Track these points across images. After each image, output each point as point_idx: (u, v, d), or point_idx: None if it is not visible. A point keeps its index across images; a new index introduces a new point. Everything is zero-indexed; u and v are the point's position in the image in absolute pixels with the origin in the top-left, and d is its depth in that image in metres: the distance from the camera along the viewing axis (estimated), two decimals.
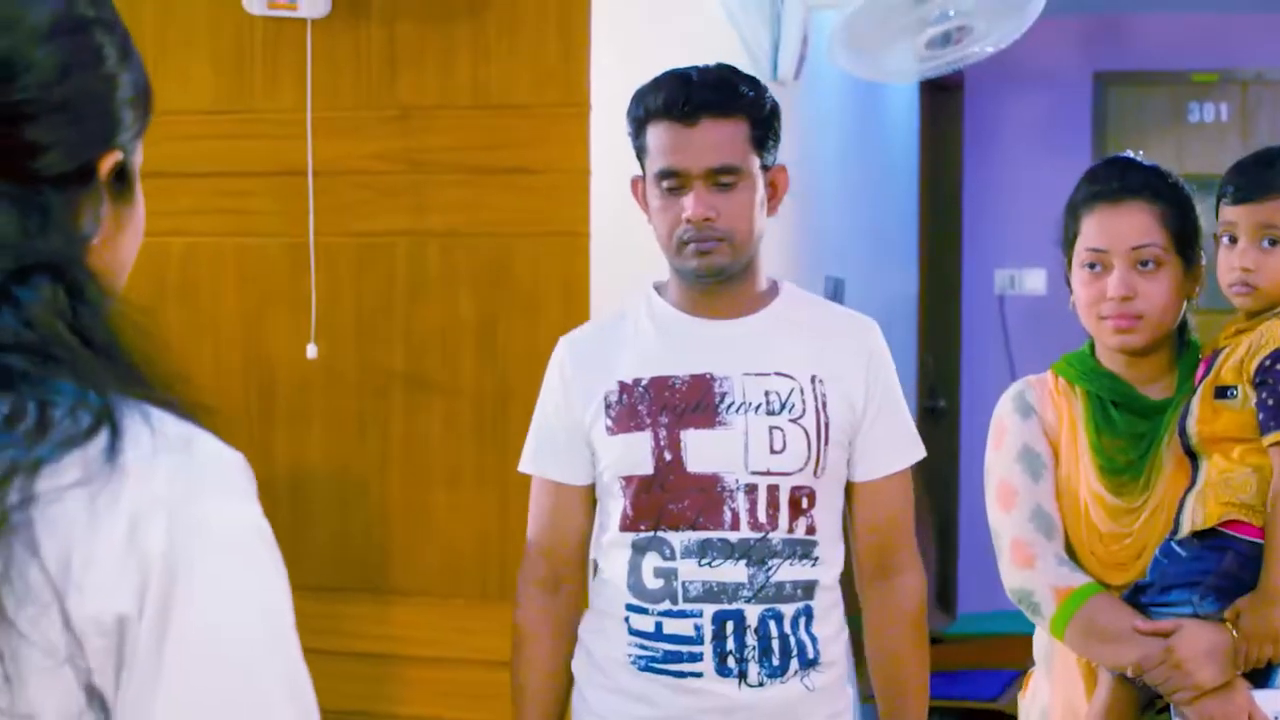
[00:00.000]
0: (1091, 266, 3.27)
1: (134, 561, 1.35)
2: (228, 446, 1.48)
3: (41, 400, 1.36)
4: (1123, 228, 3.24)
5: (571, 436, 3.33)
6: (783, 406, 3.21)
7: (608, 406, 3.26)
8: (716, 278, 3.23)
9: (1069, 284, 3.37)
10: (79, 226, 1.46)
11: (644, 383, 3.25)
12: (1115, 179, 3.29)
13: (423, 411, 4.27)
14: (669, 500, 3.20)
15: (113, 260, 1.53)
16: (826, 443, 3.22)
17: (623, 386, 3.26)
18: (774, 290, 3.36)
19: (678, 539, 3.19)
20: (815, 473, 3.22)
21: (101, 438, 1.36)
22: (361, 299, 4.31)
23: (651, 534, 3.21)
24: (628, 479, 3.24)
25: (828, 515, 3.26)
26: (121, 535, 1.35)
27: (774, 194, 3.28)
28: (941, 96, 9.06)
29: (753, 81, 3.25)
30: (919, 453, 3.38)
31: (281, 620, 1.44)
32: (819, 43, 5.81)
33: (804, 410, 3.21)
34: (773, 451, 3.19)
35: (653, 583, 3.22)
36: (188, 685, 1.36)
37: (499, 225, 4.20)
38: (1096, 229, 3.26)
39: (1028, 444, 3.32)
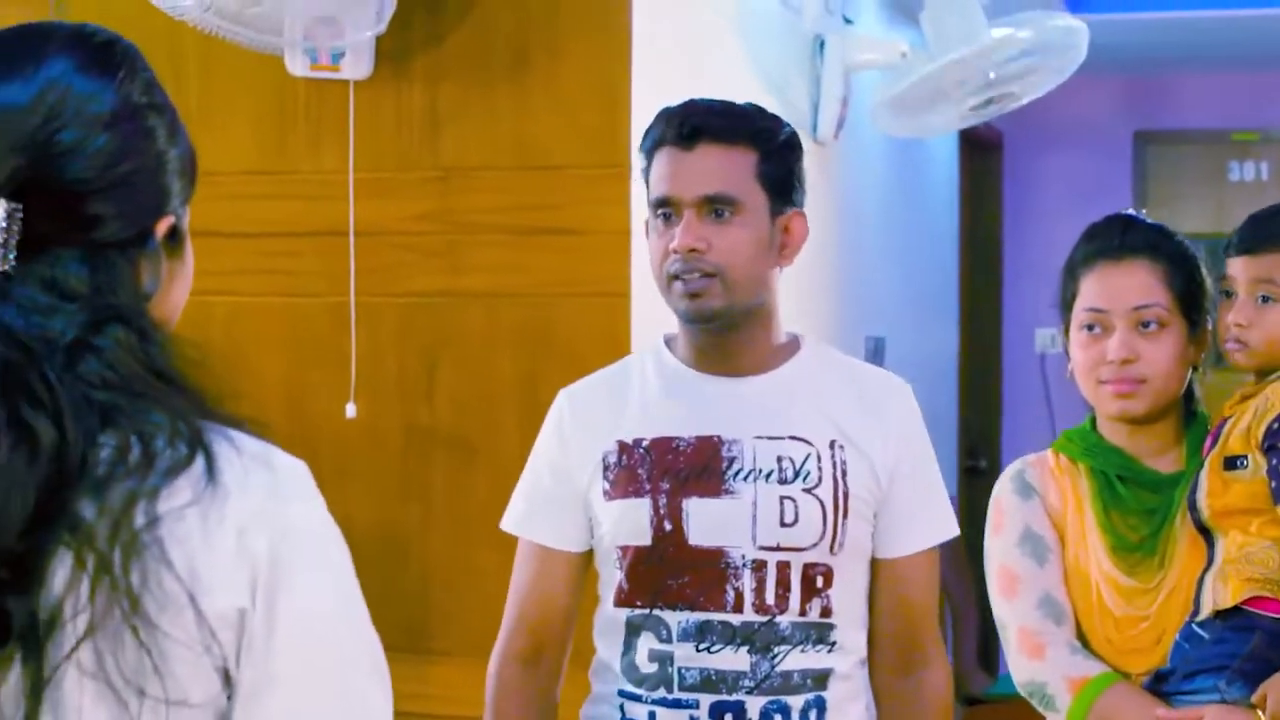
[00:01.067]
0: (1090, 328, 3.10)
1: (245, 564, 1.62)
2: (292, 456, 1.77)
3: (141, 433, 1.61)
4: (1123, 287, 3.08)
5: (567, 498, 3.01)
6: (797, 474, 2.88)
7: (606, 468, 2.95)
8: (710, 323, 2.90)
9: (1066, 351, 3.20)
10: (141, 282, 1.71)
11: (645, 443, 2.93)
12: (1116, 236, 3.13)
13: (464, 471, 4.28)
14: (667, 575, 2.88)
15: (166, 308, 1.78)
16: (845, 515, 2.89)
17: (622, 447, 2.95)
18: (794, 346, 3.03)
19: (675, 619, 2.87)
20: (832, 548, 2.88)
21: (199, 462, 1.62)
22: (403, 359, 4.32)
23: (647, 612, 2.90)
24: (624, 549, 2.92)
25: (848, 596, 2.94)
26: (232, 543, 1.62)
27: (788, 241, 2.95)
28: (982, 155, 9.06)
29: (770, 116, 2.99)
30: (950, 530, 3.05)
31: (356, 598, 1.75)
32: (859, 103, 5.82)
33: (820, 479, 2.88)
34: (783, 524, 2.86)
35: (647, 667, 2.91)
36: (293, 658, 1.65)
37: (540, 286, 4.21)
38: (1096, 288, 3.10)
39: (1030, 527, 3.12)
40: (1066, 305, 3.18)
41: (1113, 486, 3.11)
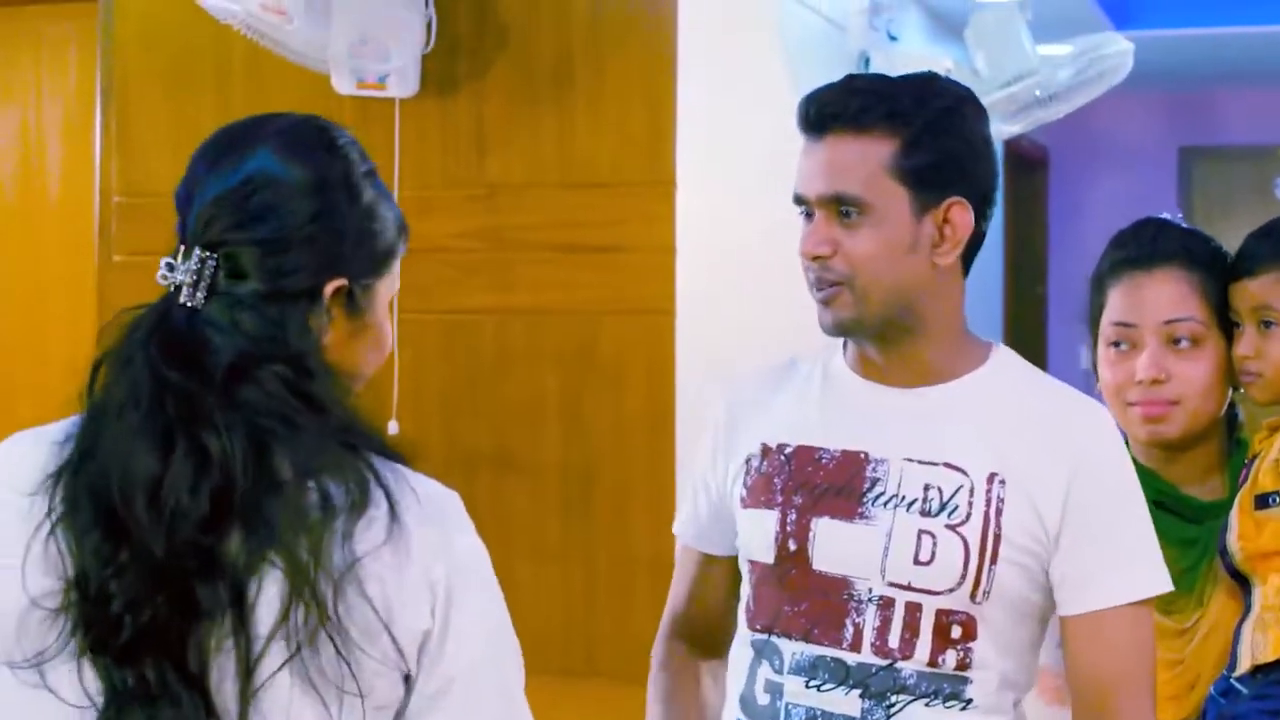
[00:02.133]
0: (1117, 344, 2.82)
1: (426, 592, 1.94)
2: (444, 486, 2.07)
3: (313, 468, 1.91)
4: (1153, 299, 2.78)
5: (717, 501, 2.72)
6: (942, 507, 2.49)
7: (747, 472, 2.64)
8: (845, 334, 2.58)
9: (1095, 368, 2.93)
10: (308, 330, 1.99)
11: (789, 450, 2.60)
12: (1146, 243, 2.83)
13: (508, 488, 4.28)
14: (786, 600, 2.56)
15: (346, 361, 2.07)
16: (994, 561, 2.47)
17: (765, 450, 2.63)
18: (979, 358, 2.60)
19: (789, 649, 2.55)
20: (974, 596, 2.47)
21: (382, 503, 1.94)
22: (447, 375, 4.33)
23: (766, 638, 2.58)
24: (752, 565, 2.63)
25: (996, 652, 2.51)
26: (417, 576, 1.93)
27: (944, 236, 2.52)
28: (1027, 171, 9.04)
29: (927, 90, 2.54)
30: (1153, 585, 2.52)
31: (503, 610, 2.04)
32: None
33: (968, 516, 2.48)
34: (917, 561, 2.48)
35: (762, 698, 2.60)
36: (464, 664, 1.97)
37: (585, 303, 4.21)
38: (1124, 301, 2.81)
39: None
40: (1094, 320, 2.91)
41: None
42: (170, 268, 1.98)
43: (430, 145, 4.34)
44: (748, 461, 2.64)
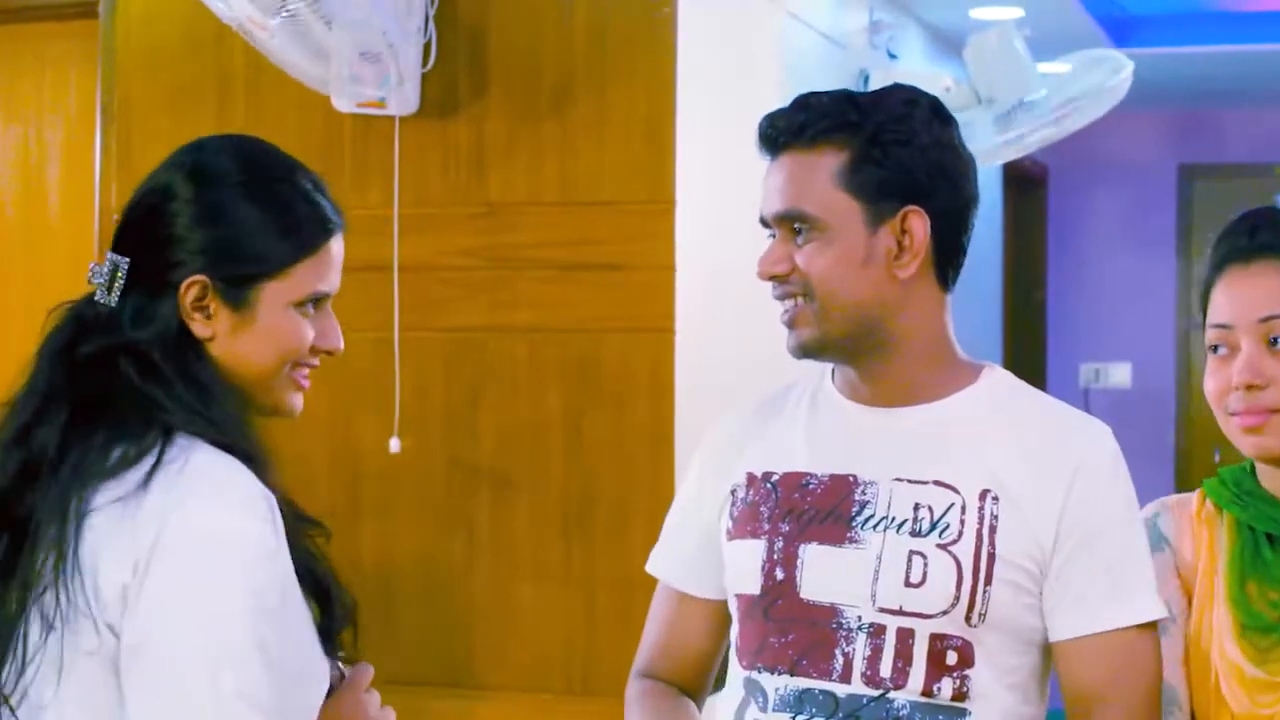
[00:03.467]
0: (1215, 349, 2.49)
1: (132, 549, 2.05)
2: (241, 477, 2.13)
3: (116, 438, 2.11)
4: (1249, 296, 2.45)
5: (702, 538, 2.59)
6: (933, 527, 2.38)
7: (732, 503, 2.54)
8: (811, 356, 2.48)
9: None
10: (155, 322, 2.18)
11: (775, 478, 2.49)
12: (1244, 236, 2.50)
13: (509, 506, 4.28)
14: (772, 632, 2.43)
15: (229, 354, 2.21)
16: (988, 582, 2.35)
17: (750, 480, 2.52)
18: (970, 376, 2.50)
19: (773, 685, 2.42)
20: (969, 619, 2.35)
21: (145, 467, 2.08)
22: (448, 394, 4.33)
23: (751, 674, 2.45)
24: (739, 599, 2.50)
25: (994, 680, 2.38)
26: (130, 533, 2.06)
27: (904, 247, 2.42)
28: (1026, 189, 9.04)
29: (879, 101, 2.47)
30: (1143, 612, 2.39)
31: (218, 591, 2.05)
32: None
33: (960, 535, 2.36)
34: (908, 584, 2.36)
35: None
36: (154, 620, 2.04)
37: (585, 321, 4.21)
38: (1221, 300, 2.48)
39: None
40: (1204, 326, 2.55)
41: (1258, 548, 2.46)
42: (94, 272, 2.23)
43: (430, 164, 4.34)
44: (733, 493, 2.54)
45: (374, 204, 4.36)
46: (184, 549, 2.05)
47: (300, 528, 2.23)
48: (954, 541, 2.37)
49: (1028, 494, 2.39)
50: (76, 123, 5.50)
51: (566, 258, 4.23)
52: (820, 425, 2.52)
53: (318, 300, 2.28)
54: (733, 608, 2.52)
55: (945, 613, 2.36)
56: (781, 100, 2.53)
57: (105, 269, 2.21)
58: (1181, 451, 9.16)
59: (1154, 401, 9.13)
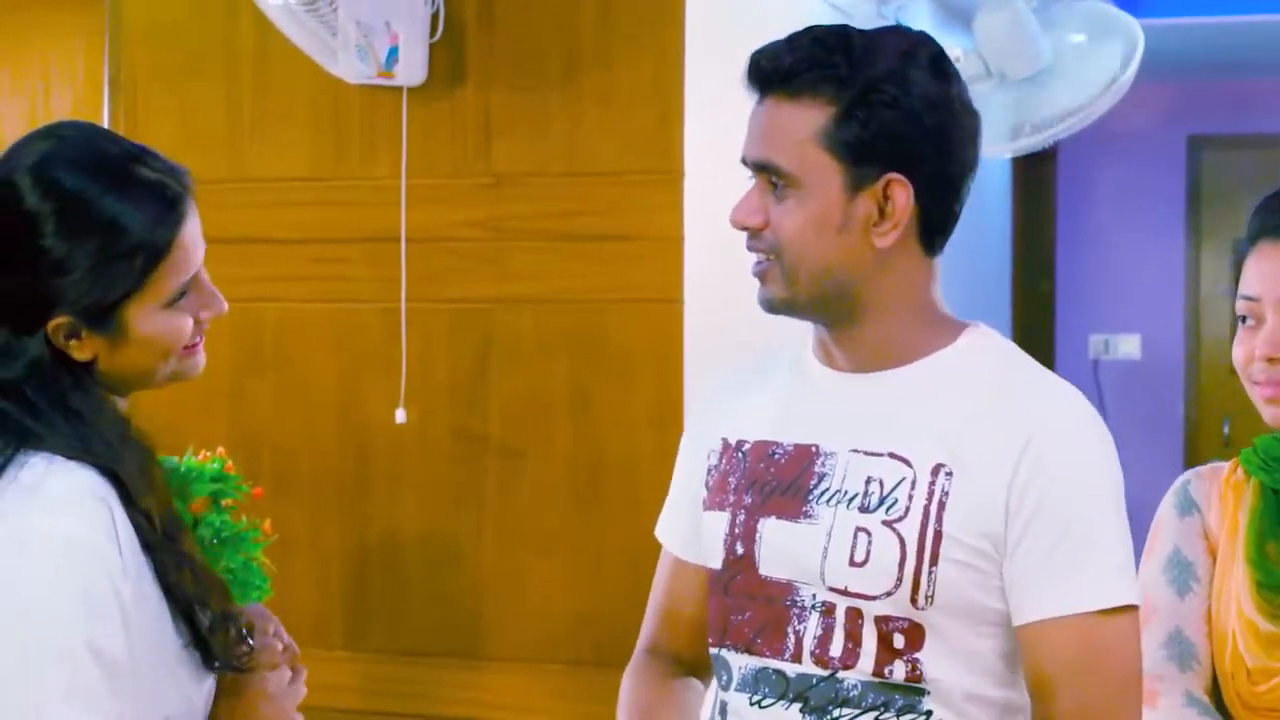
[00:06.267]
0: (1244, 319, 2.50)
1: None
2: (82, 492, 2.08)
3: None
4: (1276, 268, 2.47)
5: (693, 503, 2.48)
6: (880, 502, 2.23)
7: (709, 471, 2.44)
8: (778, 313, 2.35)
9: None
10: (35, 360, 2.16)
11: (746, 446, 2.38)
12: (1275, 210, 2.53)
13: (516, 477, 4.28)
14: (732, 609, 2.34)
15: (114, 366, 2.20)
16: (934, 561, 2.19)
17: (725, 447, 2.42)
18: (947, 337, 2.34)
19: (736, 663, 2.33)
20: (915, 600, 2.20)
21: None
22: (455, 365, 4.33)
23: (717, 650, 2.37)
24: (709, 573, 2.41)
25: (954, 662, 2.24)
26: None
27: (884, 215, 2.25)
28: (1034, 162, 9.02)
29: (872, 51, 2.26)
30: (1114, 595, 2.20)
31: (34, 603, 2.02)
32: None
33: (907, 511, 2.21)
34: (853, 563, 2.23)
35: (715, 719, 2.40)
36: None
37: (592, 292, 4.21)
38: (1251, 271, 2.50)
39: (1179, 549, 2.54)
40: (1234, 295, 2.56)
41: (1278, 511, 2.50)
42: None
43: (438, 134, 4.33)
44: (708, 458, 2.45)
45: (381, 175, 4.36)
46: (3, 554, 2.04)
47: (174, 543, 2.19)
48: (900, 519, 2.22)
49: (980, 464, 2.21)
50: (84, 94, 5.50)
51: (574, 228, 4.22)
52: (795, 392, 2.39)
53: (189, 280, 2.23)
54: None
55: (889, 594, 2.21)
56: None
57: None
58: (1191, 422, 9.15)
59: (1163, 373, 9.12)
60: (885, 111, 2.22)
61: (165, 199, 2.17)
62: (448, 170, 4.33)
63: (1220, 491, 2.56)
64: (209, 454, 3.79)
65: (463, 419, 4.32)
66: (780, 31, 2.34)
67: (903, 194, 2.24)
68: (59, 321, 2.15)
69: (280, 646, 2.35)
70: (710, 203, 4.20)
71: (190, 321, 2.22)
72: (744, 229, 2.30)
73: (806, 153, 2.24)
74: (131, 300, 2.16)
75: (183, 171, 2.23)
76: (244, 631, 2.28)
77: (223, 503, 3.73)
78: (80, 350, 2.17)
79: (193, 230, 2.21)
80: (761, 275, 2.31)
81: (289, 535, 4.11)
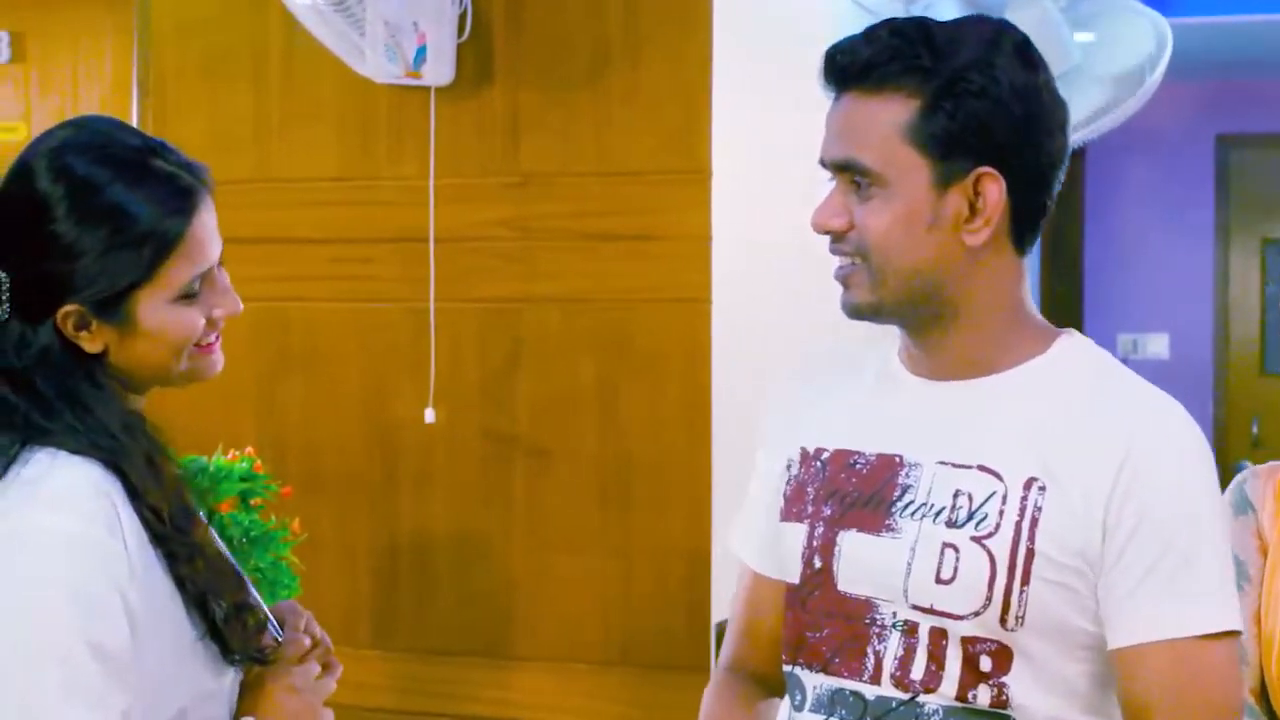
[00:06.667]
0: None
1: None
2: (84, 487, 2.08)
3: None
4: None
5: (766, 512, 2.35)
6: (969, 517, 2.12)
7: (786, 480, 2.32)
8: (864, 318, 2.22)
9: None
10: (46, 350, 2.17)
11: (825, 455, 2.27)
12: None
13: (544, 477, 4.27)
14: (809, 626, 2.23)
15: (124, 359, 2.20)
16: (1025, 581, 2.08)
17: (803, 456, 2.30)
18: (1040, 344, 2.24)
19: (810, 683, 2.23)
20: (1004, 621, 2.09)
21: None
22: (483, 364, 4.33)
23: (790, 668, 2.26)
24: (785, 586, 2.29)
25: (1043, 690, 2.12)
26: None
27: (976, 211, 2.14)
28: None
29: (956, 40, 2.15)
30: (1216, 620, 2.07)
31: (33, 599, 2.02)
32: None
33: (998, 527, 2.10)
34: (939, 580, 2.12)
35: None
36: None
37: (620, 291, 4.21)
38: None
39: (1232, 548, 2.31)
40: None
41: None
42: None
43: (465, 134, 4.33)
44: (788, 467, 2.31)
45: (409, 175, 4.36)
46: (3, 550, 2.04)
47: (184, 535, 2.18)
48: (989, 535, 2.10)
49: (1076, 480, 2.09)
50: (112, 94, 5.51)
51: (601, 228, 4.22)
52: (879, 398, 2.27)
53: (203, 276, 2.22)
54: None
55: (977, 614, 2.10)
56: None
57: None
58: (1219, 422, 9.12)
59: (1192, 373, 9.08)
60: (973, 101, 2.11)
61: (178, 190, 2.18)
62: (475, 170, 4.33)
63: (1275, 491, 2.52)
64: (238, 453, 3.80)
65: (491, 418, 4.32)
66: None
67: (995, 188, 2.14)
68: (68, 310, 2.15)
69: (308, 641, 2.35)
70: (738, 202, 4.20)
71: (201, 318, 2.22)
72: (826, 232, 2.18)
73: (892, 148, 2.12)
74: (141, 290, 2.16)
75: (200, 167, 2.22)
76: (265, 623, 2.28)
77: (251, 502, 3.75)
78: (91, 342, 2.17)
79: (206, 224, 2.20)
80: (845, 279, 2.18)
81: (317, 534, 4.12)
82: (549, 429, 4.27)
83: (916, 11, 5.51)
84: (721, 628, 3.40)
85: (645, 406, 4.16)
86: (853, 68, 2.14)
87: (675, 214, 4.15)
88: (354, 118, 4.40)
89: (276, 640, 2.31)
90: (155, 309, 2.18)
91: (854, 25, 4.96)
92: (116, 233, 2.15)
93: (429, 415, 4.29)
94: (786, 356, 4.36)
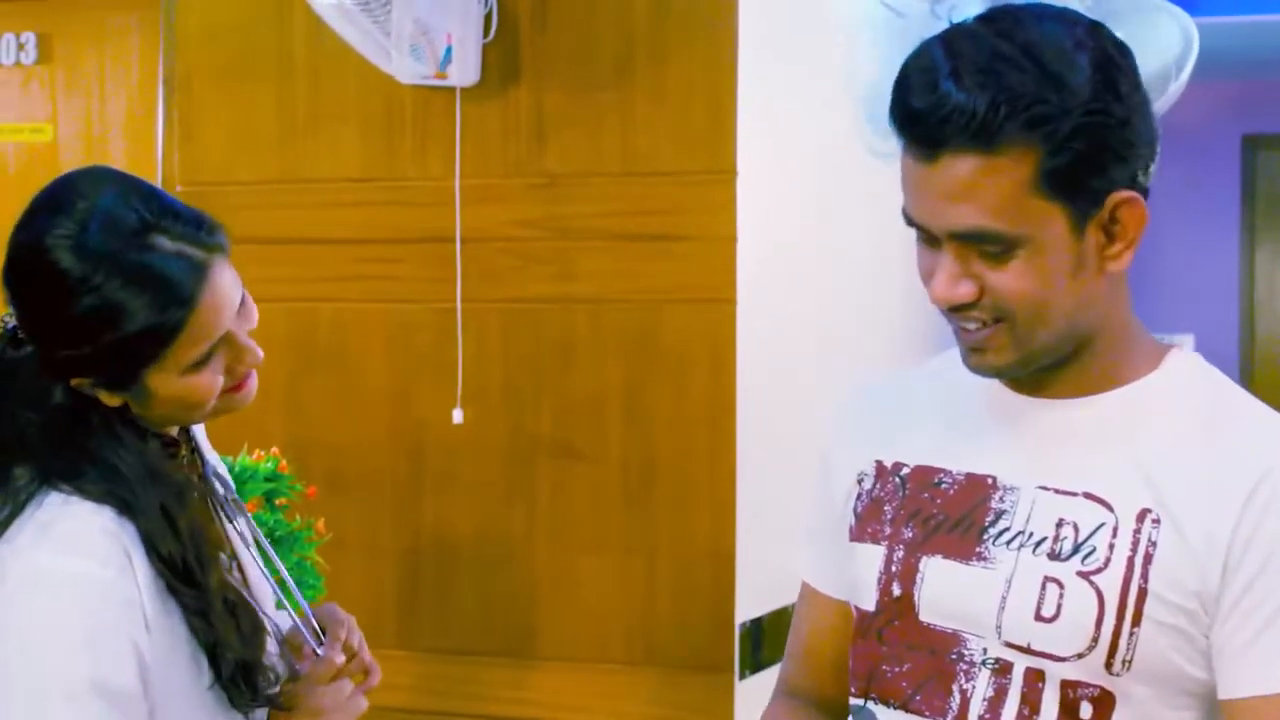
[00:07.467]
0: None
1: None
2: (88, 528, 2.11)
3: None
4: None
5: (829, 527, 2.24)
6: (1075, 550, 1.96)
7: (858, 496, 2.18)
8: (1001, 378, 2.07)
9: None
10: (59, 406, 2.19)
11: (905, 471, 2.13)
12: None
13: (569, 478, 4.27)
14: (885, 658, 2.08)
15: (149, 414, 2.22)
16: (1136, 622, 1.92)
17: (880, 470, 2.16)
18: (1151, 362, 2.08)
19: (886, 719, 2.08)
20: (1110, 665, 1.93)
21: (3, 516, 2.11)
22: (509, 365, 4.33)
23: (862, 702, 2.12)
24: (856, 611, 2.16)
25: None
26: None
27: (1119, 235, 1.97)
28: None
29: (1063, 66, 1.89)
30: None
31: (35, 634, 2.04)
32: None
33: (1107, 561, 1.94)
34: (1039, 617, 1.96)
35: None
36: None
37: (646, 292, 4.20)
38: None
39: None
40: None
41: None
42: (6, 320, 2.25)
43: (491, 134, 4.33)
44: (860, 482, 2.19)
45: (435, 175, 4.36)
46: (12, 591, 2.06)
47: (195, 589, 2.18)
48: (1098, 570, 1.95)
49: (1194, 514, 1.93)
50: (138, 95, 5.53)
51: (627, 228, 4.22)
52: (967, 412, 2.12)
53: (217, 341, 2.22)
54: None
55: (1081, 656, 1.95)
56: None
57: (7, 318, 2.25)
58: None
59: None
60: (1101, 130, 1.91)
61: (182, 273, 2.13)
62: (501, 170, 4.33)
63: None
64: (263, 453, 3.80)
65: (516, 419, 4.32)
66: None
67: (1133, 212, 1.98)
68: (80, 381, 2.19)
69: (340, 660, 2.35)
70: (764, 203, 4.20)
71: (219, 376, 2.22)
72: (953, 307, 1.98)
73: (1023, 205, 1.91)
74: (150, 370, 2.18)
75: (211, 227, 2.19)
76: (274, 675, 2.27)
77: (276, 502, 3.75)
78: (109, 399, 2.21)
79: (217, 296, 2.16)
80: (983, 345, 2.00)
81: (342, 534, 4.12)
82: (574, 429, 4.27)
83: (943, 13, 5.51)
84: (745, 628, 3.41)
85: (670, 407, 4.15)
86: (962, 127, 1.89)
87: (701, 214, 4.15)
88: (379, 118, 4.41)
89: (316, 652, 2.32)
90: (167, 381, 2.20)
91: (880, 26, 4.96)
92: (113, 330, 2.14)
93: (457, 415, 4.29)
94: (812, 359, 4.37)
